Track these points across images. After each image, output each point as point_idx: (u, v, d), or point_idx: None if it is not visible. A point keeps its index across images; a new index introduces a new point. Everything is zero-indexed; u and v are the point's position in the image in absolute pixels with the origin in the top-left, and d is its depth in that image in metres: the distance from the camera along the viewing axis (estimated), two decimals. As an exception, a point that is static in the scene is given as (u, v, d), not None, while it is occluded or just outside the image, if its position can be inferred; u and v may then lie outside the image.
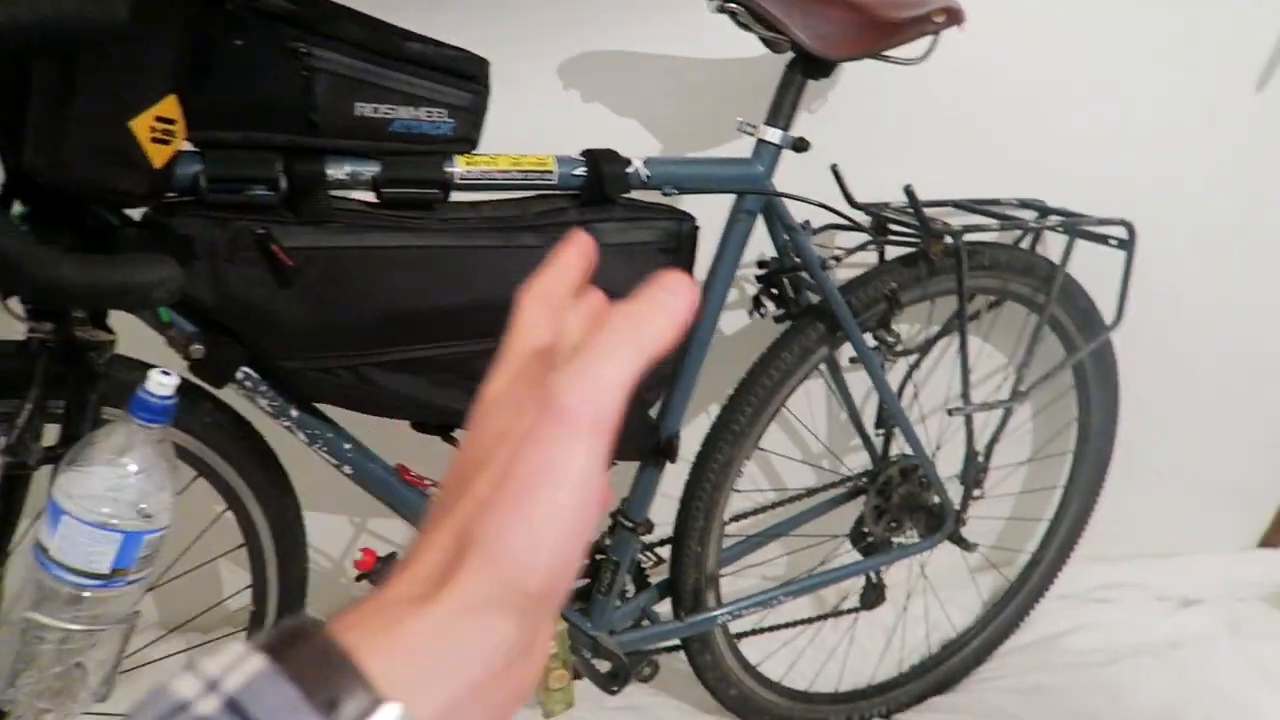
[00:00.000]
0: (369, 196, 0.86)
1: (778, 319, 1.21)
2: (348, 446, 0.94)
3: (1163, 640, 1.71)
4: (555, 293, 0.34)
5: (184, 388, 0.89)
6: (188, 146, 0.74)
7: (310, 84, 0.77)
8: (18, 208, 0.75)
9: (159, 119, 0.67)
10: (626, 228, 0.94)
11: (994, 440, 1.40)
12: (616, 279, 0.94)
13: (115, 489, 0.71)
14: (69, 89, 0.63)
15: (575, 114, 1.22)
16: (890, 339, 1.20)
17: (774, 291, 1.20)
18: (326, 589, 1.44)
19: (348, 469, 0.94)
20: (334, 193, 0.83)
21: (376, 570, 1.01)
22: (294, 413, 0.90)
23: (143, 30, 0.59)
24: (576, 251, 0.34)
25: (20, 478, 0.83)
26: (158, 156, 0.68)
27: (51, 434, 0.81)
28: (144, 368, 0.87)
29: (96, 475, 0.71)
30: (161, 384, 0.70)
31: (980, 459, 1.39)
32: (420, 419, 0.95)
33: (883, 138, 1.35)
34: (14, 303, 0.72)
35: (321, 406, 0.92)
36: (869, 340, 1.20)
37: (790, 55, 1.04)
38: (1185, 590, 1.84)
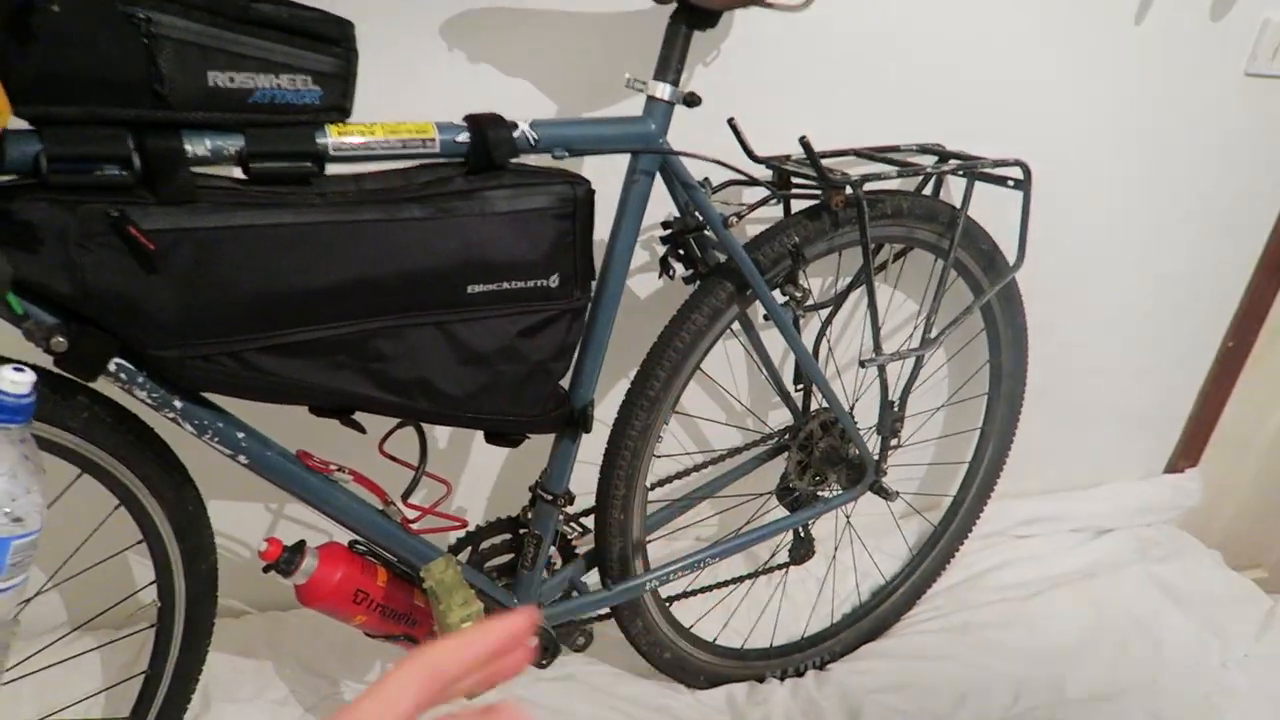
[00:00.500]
0: (237, 173, 0.82)
1: (687, 280, 1.20)
2: (241, 435, 0.90)
3: (1078, 570, 1.77)
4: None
5: (53, 382, 0.85)
6: (20, 125, 0.69)
7: (152, 53, 0.72)
8: None
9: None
10: (517, 194, 0.91)
11: (908, 389, 1.41)
12: (511, 248, 0.92)
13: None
14: None
15: (459, 76, 1.18)
16: (799, 294, 1.19)
17: (681, 252, 1.19)
18: (242, 578, 1.40)
19: (243, 458, 0.90)
20: (199, 170, 0.79)
21: (283, 560, 0.98)
22: (178, 404, 0.85)
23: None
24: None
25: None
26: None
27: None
28: (3, 362, 0.82)
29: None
30: (15, 382, 0.66)
31: (895, 408, 1.41)
32: (316, 403, 0.91)
33: (779, 88, 1.34)
34: None
35: (210, 396, 0.87)
36: (778, 297, 1.20)
37: (674, 6, 1.01)
38: (1098, 520, 1.90)
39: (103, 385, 0.83)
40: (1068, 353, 1.80)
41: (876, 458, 1.40)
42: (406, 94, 1.16)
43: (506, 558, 1.20)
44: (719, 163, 1.05)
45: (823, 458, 1.39)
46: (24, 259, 0.72)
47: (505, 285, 0.93)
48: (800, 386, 1.40)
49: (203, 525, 1.02)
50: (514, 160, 0.93)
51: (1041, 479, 1.92)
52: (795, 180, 1.22)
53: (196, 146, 0.77)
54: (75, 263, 0.73)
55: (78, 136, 0.72)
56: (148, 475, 0.95)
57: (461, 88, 1.19)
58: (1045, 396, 1.79)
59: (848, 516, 1.60)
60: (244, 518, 1.42)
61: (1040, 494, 1.91)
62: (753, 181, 1.15)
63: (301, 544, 0.99)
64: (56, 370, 0.80)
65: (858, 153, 1.36)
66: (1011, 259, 1.40)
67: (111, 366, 0.81)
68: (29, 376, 0.66)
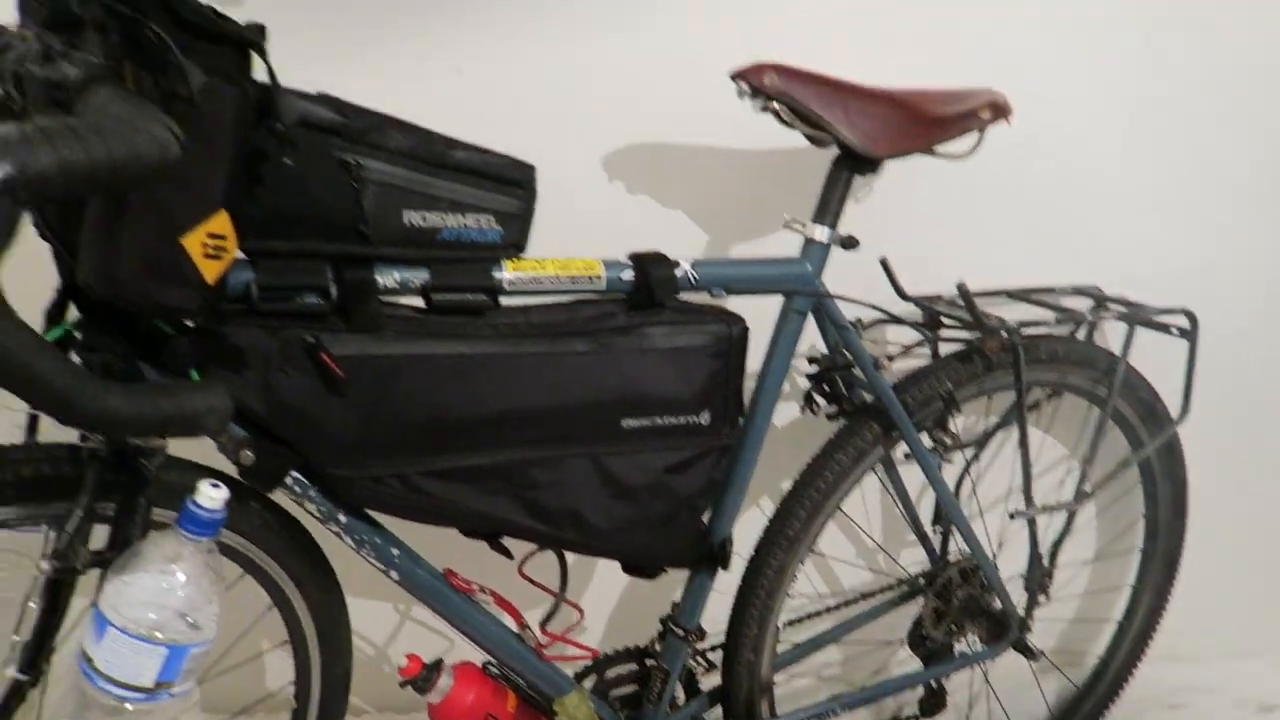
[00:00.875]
0: (418, 302, 0.86)
1: (830, 416, 1.19)
2: (395, 552, 0.92)
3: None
4: None
5: (234, 489, 0.90)
6: (240, 256, 0.75)
7: (359, 195, 0.78)
8: (73, 312, 0.77)
9: (210, 235, 0.68)
10: (676, 332, 0.93)
11: (1059, 543, 1.34)
12: (667, 384, 0.94)
13: (162, 601, 0.70)
14: (121, 208, 0.64)
15: (620, 209, 1.23)
16: (947, 439, 1.16)
17: (826, 388, 1.18)
18: (369, 679, 1.42)
19: (394, 574, 0.93)
20: (383, 299, 0.84)
21: (421, 677, 0.98)
22: (342, 518, 0.89)
23: (193, 154, 0.60)
24: None
25: (66, 581, 0.83)
26: (210, 271, 0.69)
27: (94, 534, 0.81)
28: (196, 469, 0.88)
29: (144, 586, 0.70)
30: (211, 498, 0.70)
31: (1045, 562, 1.34)
32: (470, 527, 0.94)
33: (930, 225, 1.34)
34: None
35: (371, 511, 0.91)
36: (925, 440, 1.17)
37: (836, 151, 1.04)
38: (1264, 694, 1.73)
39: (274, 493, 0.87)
40: (1232, 507, 1.68)
41: (1021, 613, 1.33)
42: (567, 223, 1.21)
43: (631, 689, 1.17)
44: (875, 308, 1.05)
45: (961, 608, 1.32)
46: (229, 379, 0.77)
47: (658, 421, 0.94)
48: (939, 528, 1.34)
49: (344, 630, 1.04)
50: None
51: (1200, 643, 1.77)
52: (946, 321, 1.20)
53: (386, 279, 0.83)
54: (271, 384, 0.78)
55: (286, 268, 0.78)
56: (302, 579, 0.98)
57: (618, 216, 1.23)
58: (1206, 553, 1.66)
59: (984, 670, 1.50)
60: (371, 616, 1.44)
61: (1196, 659, 1.75)
62: (906, 322, 1.14)
63: (439, 663, 1.00)
64: (235, 478, 0.84)
65: (1010, 293, 1.33)
66: (1172, 409, 1.33)
67: (288, 479, 0.85)
68: (224, 493, 0.71)
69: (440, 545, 1.05)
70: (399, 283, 0.84)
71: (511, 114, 1.18)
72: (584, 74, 1.21)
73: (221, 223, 0.68)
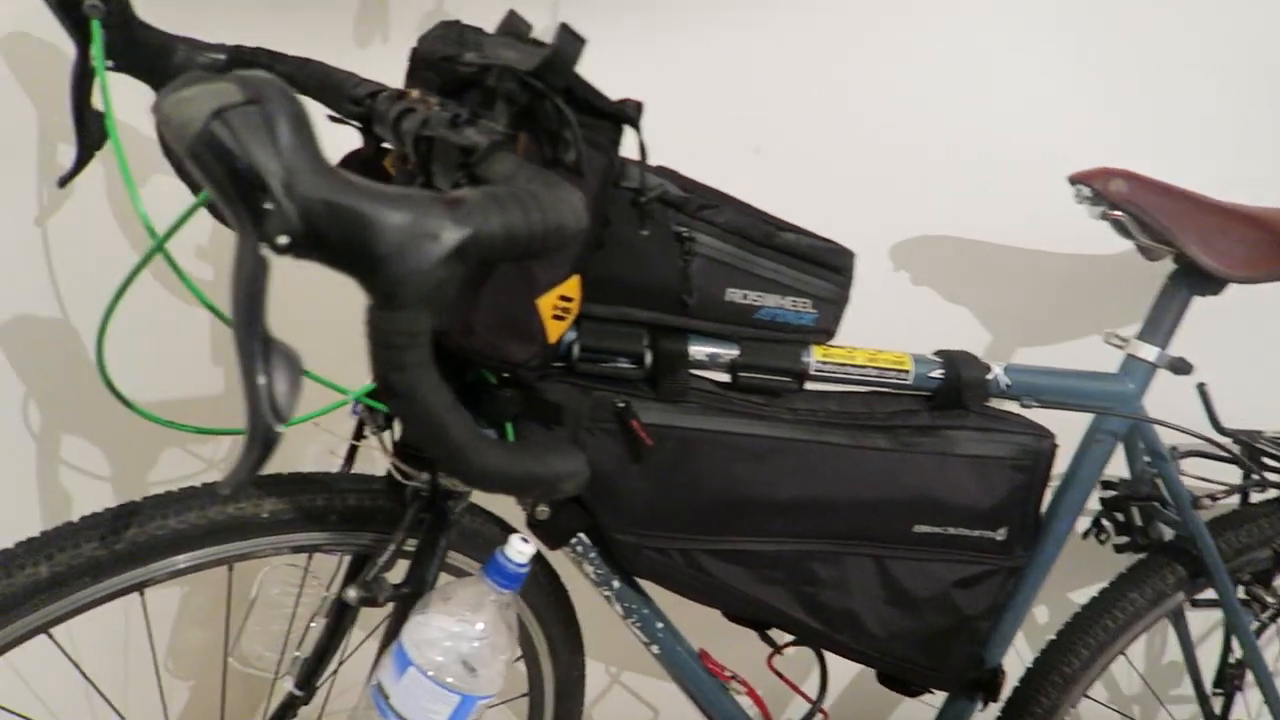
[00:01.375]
0: (721, 378, 0.85)
1: (1119, 548, 1.07)
2: (660, 625, 0.90)
3: None
4: None
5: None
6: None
7: (688, 268, 0.78)
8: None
9: (562, 297, 0.70)
10: (981, 439, 0.87)
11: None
12: (965, 493, 0.88)
13: (460, 648, 0.71)
14: (490, 266, 0.67)
15: (904, 300, 1.18)
16: (1269, 598, 1.02)
17: (1119, 517, 1.07)
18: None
19: (656, 648, 0.91)
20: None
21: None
22: (616, 584, 0.88)
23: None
24: None
25: (353, 608, 0.87)
26: (554, 332, 0.70)
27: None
28: (490, 518, 0.90)
29: (445, 629, 0.71)
30: (521, 552, 0.71)
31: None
32: (740, 612, 0.91)
33: (1255, 356, 1.20)
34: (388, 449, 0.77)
35: (640, 582, 0.90)
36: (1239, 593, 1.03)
37: (1173, 267, 0.95)
38: None
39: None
40: None
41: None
42: (869, 317, 1.18)
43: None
44: (1202, 438, 0.94)
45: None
46: (539, 434, 0.79)
47: (950, 530, 0.88)
48: (1220, 692, 1.18)
49: (580, 691, 1.03)
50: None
51: None
52: (1268, 462, 1.06)
53: (698, 351, 0.82)
54: (578, 443, 0.79)
55: (608, 332, 0.79)
56: (554, 637, 0.98)
57: (901, 307, 1.19)
58: None
59: None
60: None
61: None
62: (1230, 459, 1.02)
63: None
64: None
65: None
66: None
67: (573, 539, 0.85)
68: (531, 548, 0.71)
69: (688, 619, 1.03)
70: (708, 356, 0.83)
71: (807, 186, 1.17)
72: (881, 155, 1.18)
73: (573, 286, 0.70)
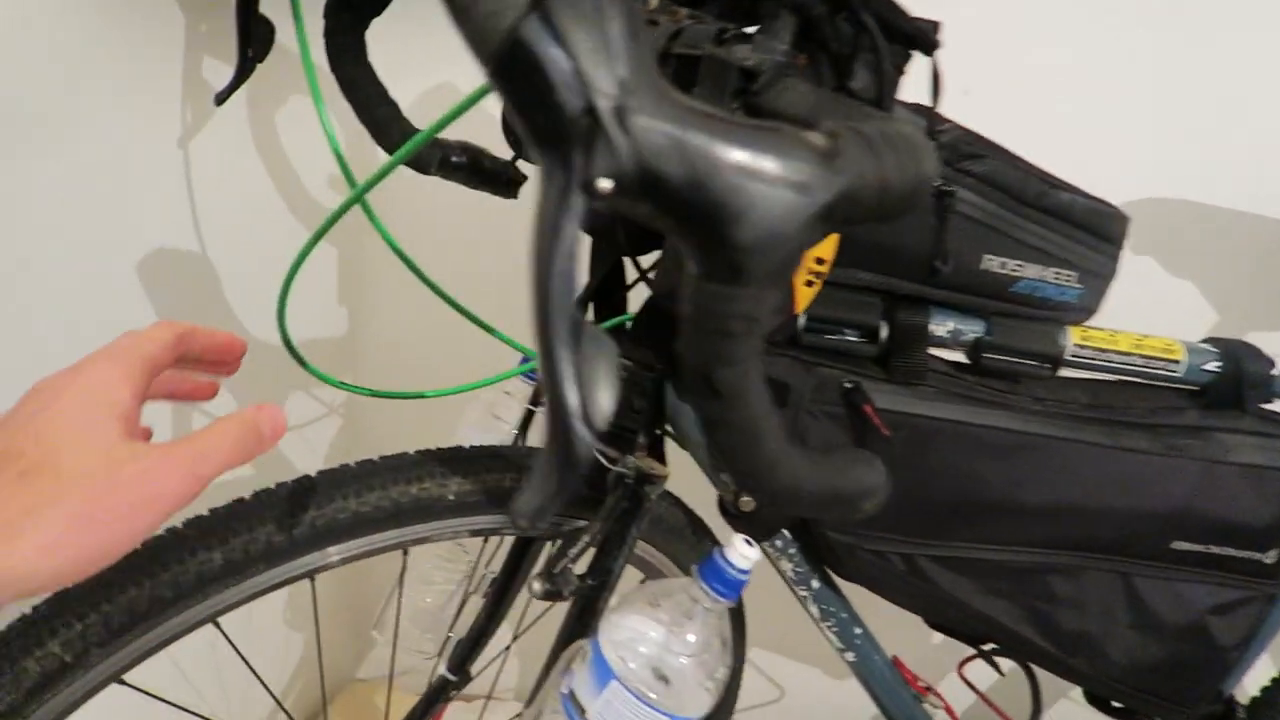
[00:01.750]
0: (954, 358, 0.73)
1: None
2: (858, 631, 0.80)
3: None
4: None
5: (699, 531, 0.82)
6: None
7: (943, 228, 0.66)
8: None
9: (817, 259, 0.58)
10: (1261, 445, 0.74)
11: None
12: (1236, 507, 0.75)
13: (669, 662, 0.61)
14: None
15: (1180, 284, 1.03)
16: None
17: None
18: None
19: (851, 655, 0.81)
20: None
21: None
22: (815, 584, 0.78)
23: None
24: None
25: (512, 591, 0.79)
26: (803, 300, 0.59)
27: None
28: (676, 503, 0.80)
29: (651, 639, 0.62)
30: (746, 556, 0.61)
31: None
32: (959, 625, 0.80)
33: None
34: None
35: (839, 583, 0.79)
36: None
37: None
38: None
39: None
40: None
41: None
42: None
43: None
44: None
45: None
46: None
47: (1213, 549, 0.75)
48: None
49: (738, 680, 0.94)
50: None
51: None
52: None
53: (939, 327, 0.70)
54: (798, 427, 0.68)
55: (840, 300, 0.67)
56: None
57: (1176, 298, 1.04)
58: None
59: None
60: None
61: None
62: None
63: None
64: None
65: None
66: None
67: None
68: (757, 553, 0.61)
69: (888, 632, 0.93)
70: (949, 333, 0.71)
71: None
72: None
73: (829, 247, 0.58)
